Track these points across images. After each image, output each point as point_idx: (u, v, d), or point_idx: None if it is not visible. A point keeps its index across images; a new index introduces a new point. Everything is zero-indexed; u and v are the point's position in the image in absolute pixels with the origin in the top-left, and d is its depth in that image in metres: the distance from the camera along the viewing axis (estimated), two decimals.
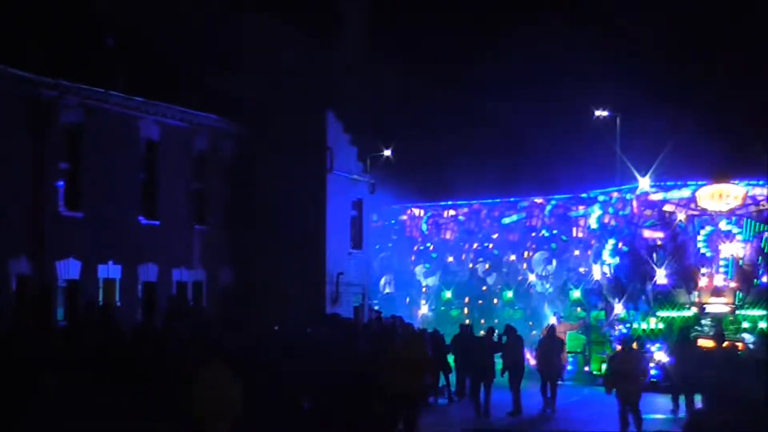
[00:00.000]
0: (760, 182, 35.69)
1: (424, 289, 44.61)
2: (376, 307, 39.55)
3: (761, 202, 35.87)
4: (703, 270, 36.13)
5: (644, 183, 37.43)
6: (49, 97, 29.24)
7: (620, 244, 37.56)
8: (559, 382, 30.05)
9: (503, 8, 48.14)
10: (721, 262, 36.25)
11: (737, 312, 35.19)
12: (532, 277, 42.00)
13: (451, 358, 31.86)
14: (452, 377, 31.98)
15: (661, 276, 36.20)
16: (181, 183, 34.87)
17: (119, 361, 18.20)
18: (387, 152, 41.83)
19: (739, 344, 30.72)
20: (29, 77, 28.46)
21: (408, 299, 44.61)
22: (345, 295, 38.29)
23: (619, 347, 26.54)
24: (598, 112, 41.73)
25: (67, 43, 30.65)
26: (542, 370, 29.54)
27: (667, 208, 36.97)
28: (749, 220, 36.16)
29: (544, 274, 41.89)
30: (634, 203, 37.51)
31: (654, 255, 36.49)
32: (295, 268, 36.50)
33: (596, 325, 37.37)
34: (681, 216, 36.49)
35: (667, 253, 36.47)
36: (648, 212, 37.30)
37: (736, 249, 36.22)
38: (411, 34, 47.46)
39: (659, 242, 36.75)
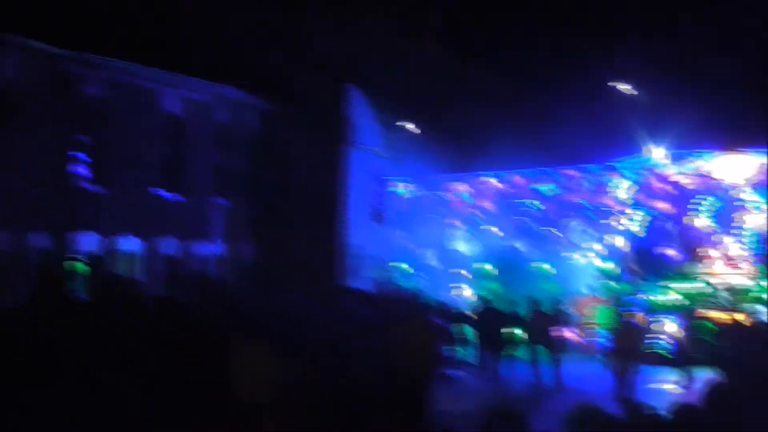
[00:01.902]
0: None
1: (464, 272, 44.00)
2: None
3: None
4: (727, 240, 35.95)
5: (657, 153, 37.33)
6: (71, 70, 29.30)
7: (640, 216, 37.54)
8: None
9: None
10: (744, 233, 36.07)
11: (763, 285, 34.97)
12: (577, 256, 41.56)
13: (469, 331, 31.96)
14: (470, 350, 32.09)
15: (671, 248, 36.17)
16: (203, 157, 34.94)
17: (143, 335, 18.27)
18: (411, 125, 41.80)
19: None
20: (51, 50, 28.54)
21: (453, 284, 44.15)
22: (366, 269, 38.34)
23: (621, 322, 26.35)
24: (617, 85, 41.47)
25: (88, 15, 30.69)
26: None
27: (682, 180, 36.81)
28: None
29: (580, 244, 41.64)
30: (651, 177, 37.38)
31: (666, 227, 36.42)
32: (317, 242, 36.49)
33: (622, 298, 37.27)
34: (698, 186, 36.38)
35: (677, 225, 36.39)
36: (663, 186, 37.16)
37: (760, 220, 35.99)
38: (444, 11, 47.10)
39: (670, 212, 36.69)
